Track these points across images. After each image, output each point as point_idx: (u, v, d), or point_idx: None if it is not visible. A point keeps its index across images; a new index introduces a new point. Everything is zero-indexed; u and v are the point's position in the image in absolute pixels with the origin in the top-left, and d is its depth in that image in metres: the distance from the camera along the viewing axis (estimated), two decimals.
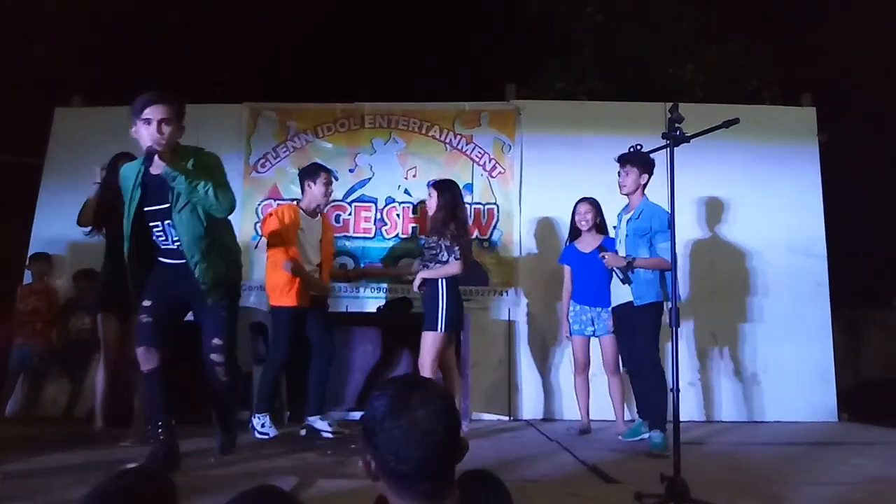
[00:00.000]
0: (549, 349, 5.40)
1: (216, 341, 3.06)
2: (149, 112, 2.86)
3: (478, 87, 6.14)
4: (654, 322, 3.76)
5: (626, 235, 3.97)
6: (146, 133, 2.86)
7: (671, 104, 2.73)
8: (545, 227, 5.54)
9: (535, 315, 5.45)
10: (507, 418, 5.27)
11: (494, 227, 5.62)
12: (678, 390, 2.52)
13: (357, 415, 5.06)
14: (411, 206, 5.66)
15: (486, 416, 5.24)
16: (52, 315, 5.43)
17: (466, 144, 5.75)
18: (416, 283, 4.14)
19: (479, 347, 5.23)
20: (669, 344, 2.62)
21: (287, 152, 5.77)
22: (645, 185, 4.00)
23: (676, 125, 2.56)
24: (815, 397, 5.28)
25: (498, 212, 5.65)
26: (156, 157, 2.84)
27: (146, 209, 3.00)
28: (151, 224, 3.02)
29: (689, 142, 2.57)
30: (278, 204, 5.59)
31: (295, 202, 4.52)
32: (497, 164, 5.71)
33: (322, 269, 4.39)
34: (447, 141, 5.77)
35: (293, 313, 4.14)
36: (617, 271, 3.95)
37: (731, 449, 3.88)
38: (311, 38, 9.53)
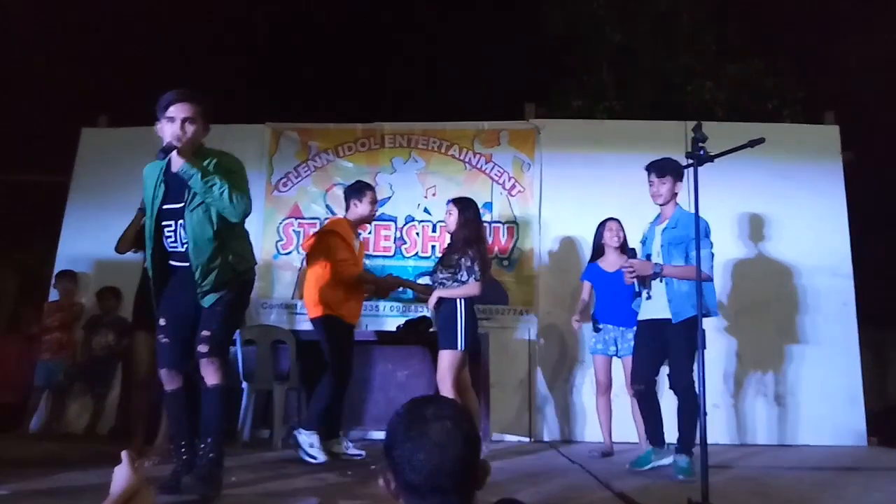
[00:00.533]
0: (570, 369, 5.35)
1: (204, 332, 2.84)
2: (173, 110, 2.82)
3: (496, 106, 6.17)
4: (690, 340, 3.47)
5: (662, 246, 3.76)
6: (169, 131, 2.80)
7: (694, 123, 2.72)
8: (565, 246, 5.52)
9: (555, 334, 5.41)
10: (527, 440, 5.21)
11: (514, 245, 5.61)
12: (705, 413, 2.48)
13: (377, 434, 5.05)
14: (431, 225, 5.68)
15: (507, 438, 5.18)
16: (76, 332, 5.50)
17: (486, 163, 5.77)
18: (432, 301, 4.04)
19: (499, 368, 5.19)
20: (696, 366, 2.58)
21: (308, 172, 5.84)
22: (676, 193, 3.84)
23: (700, 144, 2.53)
24: (843, 420, 5.16)
25: (517, 230, 5.64)
26: (174, 153, 2.78)
27: (163, 207, 2.91)
28: (164, 223, 2.92)
29: (712, 161, 2.54)
30: (300, 221, 5.69)
31: (344, 218, 4.37)
32: (516, 183, 5.71)
33: None
34: (466, 160, 5.80)
35: (351, 329, 4.16)
36: (637, 284, 3.82)
37: (759, 473, 3.79)
38: (331, 59, 9.66)
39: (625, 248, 4.55)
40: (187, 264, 2.87)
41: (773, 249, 5.43)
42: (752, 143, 2.50)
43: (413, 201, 5.73)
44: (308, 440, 3.86)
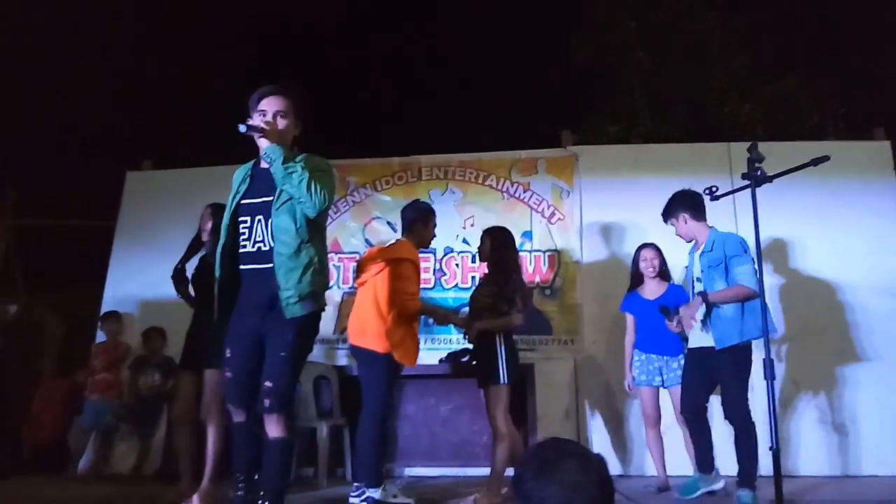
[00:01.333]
0: (618, 400, 5.18)
1: (267, 384, 2.66)
2: (265, 103, 2.80)
3: (531, 134, 6.15)
4: (741, 366, 3.45)
5: (702, 271, 3.71)
6: (260, 124, 2.75)
7: (746, 144, 2.65)
8: (608, 273, 5.39)
9: (601, 364, 5.27)
10: None
11: (556, 274, 5.52)
12: (778, 448, 2.34)
13: (422, 471, 4.95)
14: (470, 256, 5.63)
15: None
16: (122, 372, 5.53)
17: (524, 192, 5.72)
18: (473, 335, 3.86)
19: (544, 399, 5.05)
20: (766, 397, 2.45)
21: (347, 207, 5.87)
22: (698, 219, 3.79)
23: (757, 165, 2.45)
24: None
25: (559, 258, 5.55)
26: (262, 139, 2.71)
27: (242, 202, 2.82)
28: (240, 219, 2.81)
29: (771, 182, 2.46)
30: (339, 256, 5.70)
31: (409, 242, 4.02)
32: (556, 211, 5.65)
33: None
34: (504, 189, 5.76)
35: (397, 369, 3.78)
36: (694, 322, 3.66)
37: None
38: (365, 93, 9.79)
39: (665, 275, 4.41)
40: (256, 267, 2.74)
41: (825, 270, 5.23)
42: (817, 162, 2.41)
43: (451, 232, 5.69)
44: (388, 494, 3.62)
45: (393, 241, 4.13)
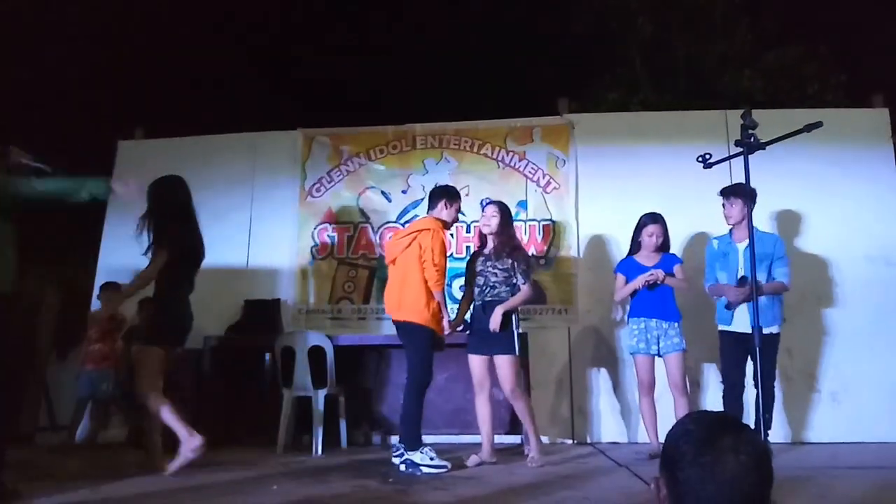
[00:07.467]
0: (612, 368, 5.21)
1: None
2: None
3: (529, 102, 6.07)
4: (772, 348, 4.03)
5: (746, 261, 4.05)
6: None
7: (738, 111, 2.60)
8: (604, 242, 5.39)
9: (596, 333, 5.28)
10: (570, 441, 5.10)
11: (551, 243, 5.50)
12: (767, 417, 2.35)
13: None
14: (465, 226, 5.60)
15: (549, 440, 5.07)
16: (118, 343, 5.53)
17: (519, 161, 5.67)
18: (497, 320, 3.92)
19: (538, 368, 5.09)
20: (753, 367, 2.45)
21: (341, 176, 5.82)
22: (749, 215, 3.97)
23: (750, 131, 2.41)
24: None
25: (554, 228, 5.53)
26: None
27: None
28: None
29: (764, 149, 2.42)
30: (334, 226, 5.67)
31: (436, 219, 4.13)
32: (551, 180, 5.60)
33: None
34: (499, 158, 5.71)
35: (437, 339, 4.02)
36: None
37: (815, 474, 3.61)
38: (362, 63, 9.66)
39: (666, 247, 4.40)
40: None
41: (822, 239, 5.21)
42: (810, 128, 2.37)
43: None
44: (424, 458, 3.75)
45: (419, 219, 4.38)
